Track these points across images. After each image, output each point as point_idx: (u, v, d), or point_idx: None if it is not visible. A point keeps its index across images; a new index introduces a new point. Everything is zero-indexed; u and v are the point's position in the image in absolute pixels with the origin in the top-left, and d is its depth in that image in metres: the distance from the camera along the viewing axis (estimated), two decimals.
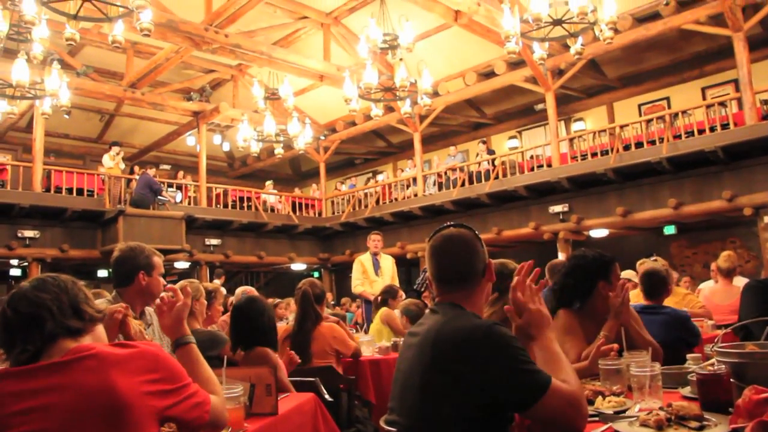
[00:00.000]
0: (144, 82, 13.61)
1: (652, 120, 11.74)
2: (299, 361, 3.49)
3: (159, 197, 13.26)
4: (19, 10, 5.50)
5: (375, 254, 7.58)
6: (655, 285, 3.76)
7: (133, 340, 2.11)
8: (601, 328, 2.61)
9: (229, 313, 5.22)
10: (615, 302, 2.63)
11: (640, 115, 13.35)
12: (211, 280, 11.85)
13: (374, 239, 7.66)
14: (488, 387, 1.66)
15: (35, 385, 1.40)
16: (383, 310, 5.94)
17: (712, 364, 1.97)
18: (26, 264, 12.55)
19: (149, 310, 2.86)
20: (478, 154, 14.63)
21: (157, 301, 2.02)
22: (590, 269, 2.79)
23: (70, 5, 5.61)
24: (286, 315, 7.44)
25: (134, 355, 1.49)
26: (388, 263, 7.60)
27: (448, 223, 2.03)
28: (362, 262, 7.54)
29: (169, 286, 2.09)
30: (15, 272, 13.89)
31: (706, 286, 6.64)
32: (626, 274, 5.70)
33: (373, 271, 7.40)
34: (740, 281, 6.10)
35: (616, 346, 2.36)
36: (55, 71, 7.20)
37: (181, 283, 3.71)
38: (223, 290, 10.79)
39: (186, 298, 2.01)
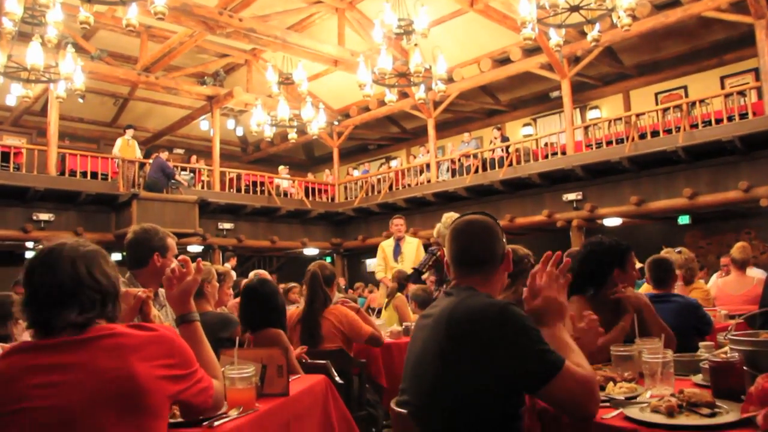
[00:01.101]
0: (158, 66, 13.64)
1: (668, 109, 11.64)
2: (306, 359, 3.46)
3: (172, 180, 13.32)
4: None
5: (398, 239, 7.33)
6: (663, 273, 3.74)
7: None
8: (614, 315, 2.61)
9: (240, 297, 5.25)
10: (625, 294, 2.63)
11: (657, 104, 13.24)
12: (222, 263, 11.92)
13: (396, 224, 7.42)
14: (501, 365, 1.67)
15: (55, 360, 1.42)
16: (397, 296, 5.95)
17: (725, 352, 1.96)
18: (41, 247, 12.65)
19: (163, 291, 2.87)
20: (492, 141, 14.58)
21: (168, 270, 2.01)
22: (606, 257, 2.77)
23: None
24: (299, 300, 7.46)
25: (153, 339, 1.51)
26: (411, 248, 7.30)
27: (471, 211, 2.06)
28: (383, 248, 7.41)
29: (181, 257, 2.07)
30: (30, 255, 13.99)
31: (719, 277, 6.61)
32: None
33: (392, 257, 7.27)
34: (753, 272, 6.06)
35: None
36: (70, 55, 7.22)
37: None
38: (234, 273, 10.86)
39: (197, 273, 2.00)
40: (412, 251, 7.23)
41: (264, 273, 5.89)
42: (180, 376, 1.55)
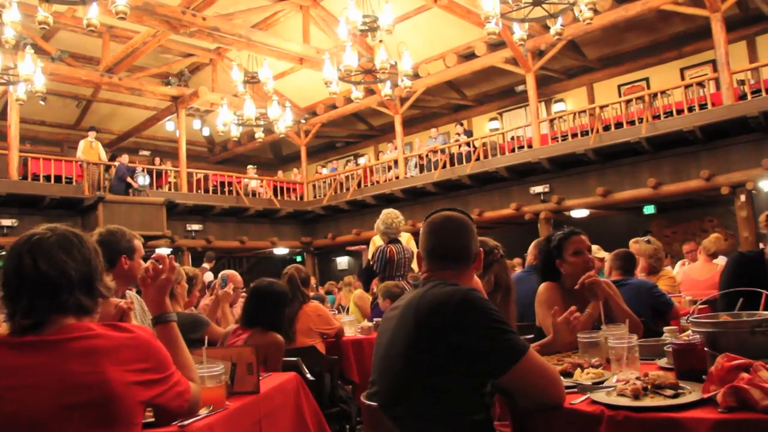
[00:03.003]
0: (121, 67, 13.43)
1: (631, 100, 11.82)
2: None
3: (133, 176, 13.12)
4: None
5: None
6: (627, 262, 3.83)
7: None
8: (581, 301, 2.65)
9: (210, 297, 5.22)
10: (585, 283, 2.67)
11: (620, 96, 13.43)
12: (200, 264, 11.77)
13: None
14: (466, 351, 1.69)
15: (24, 362, 1.36)
16: (357, 292, 6.00)
17: (688, 335, 2.01)
18: (4, 253, 12.38)
19: (130, 293, 2.84)
20: (456, 137, 14.66)
21: (141, 270, 1.96)
22: (546, 251, 2.90)
23: None
24: None
25: (128, 343, 1.45)
26: (402, 241, 7.30)
27: (446, 207, 2.10)
28: (374, 242, 7.34)
29: (155, 254, 2.03)
30: None
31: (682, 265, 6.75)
32: (594, 250, 5.72)
33: None
34: (718, 259, 6.21)
35: (573, 308, 2.41)
36: (29, 56, 7.06)
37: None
38: (211, 274, 10.73)
39: (170, 272, 1.95)
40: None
41: (234, 273, 5.85)
42: (154, 380, 1.49)
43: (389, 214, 5.78)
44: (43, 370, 1.35)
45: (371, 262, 5.81)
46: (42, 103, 12.82)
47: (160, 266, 1.93)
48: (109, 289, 1.58)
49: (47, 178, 12.63)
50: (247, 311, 3.36)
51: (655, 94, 11.57)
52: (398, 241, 5.75)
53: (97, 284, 1.53)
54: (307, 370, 3.14)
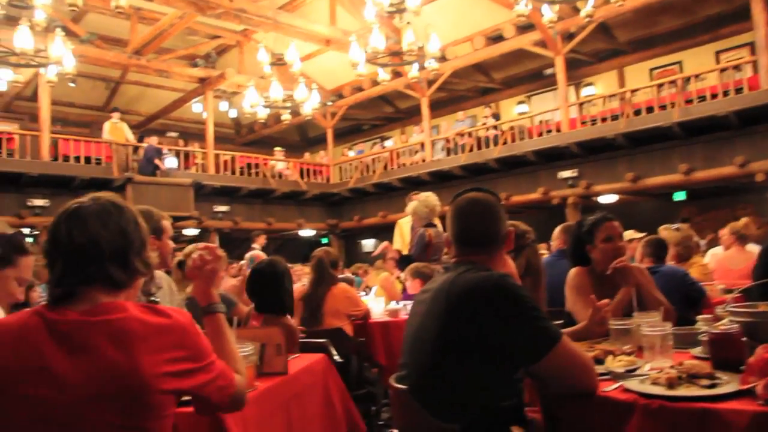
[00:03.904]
0: (149, 49, 13.51)
1: (663, 84, 11.59)
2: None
3: (161, 157, 13.22)
4: None
5: None
6: (658, 249, 3.76)
7: None
8: (612, 287, 2.61)
9: (240, 277, 5.26)
10: (616, 267, 2.63)
11: (652, 80, 13.18)
12: (250, 244, 11.67)
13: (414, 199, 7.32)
14: (499, 337, 1.67)
15: (57, 345, 1.31)
16: (383, 275, 5.98)
17: (724, 325, 1.96)
18: (37, 233, 12.62)
19: (159, 274, 2.86)
20: (484, 120, 14.54)
21: (190, 261, 1.91)
22: (576, 236, 2.86)
23: None
24: (299, 279, 7.46)
25: (163, 328, 1.38)
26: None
27: (472, 188, 2.04)
28: (401, 225, 7.24)
29: (204, 244, 1.99)
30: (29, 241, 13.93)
31: (717, 251, 6.61)
32: (628, 234, 5.61)
33: (409, 234, 7.15)
34: (753, 248, 6.08)
35: (606, 301, 2.36)
36: (59, 38, 7.12)
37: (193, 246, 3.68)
38: (263, 254, 10.63)
39: (215, 262, 1.87)
40: None
41: (261, 254, 5.90)
42: (190, 370, 1.40)
43: (429, 198, 5.73)
44: (73, 356, 1.30)
45: (415, 255, 5.71)
46: (72, 85, 13.04)
47: (208, 257, 1.86)
48: (148, 265, 1.51)
49: (77, 159, 12.82)
50: (252, 294, 3.32)
51: (689, 78, 11.30)
52: (434, 225, 5.71)
53: (133, 258, 1.45)
54: (335, 352, 3.14)
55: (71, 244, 1.38)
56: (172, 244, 2.80)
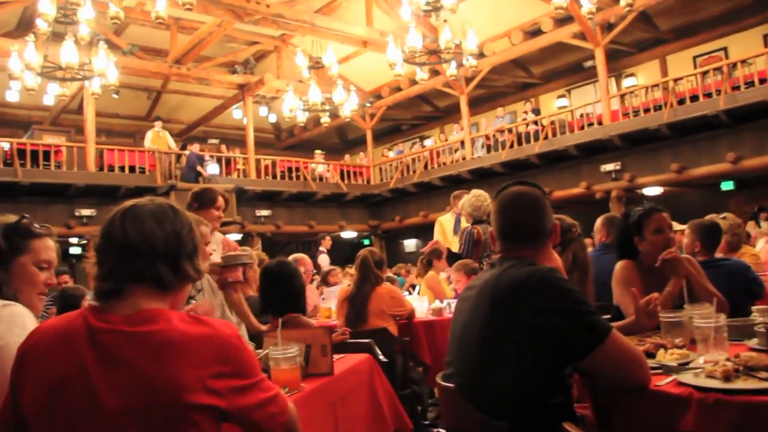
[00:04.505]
0: (189, 58, 13.75)
1: (708, 72, 11.29)
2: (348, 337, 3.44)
3: (203, 164, 13.44)
4: None
5: (459, 214, 7.19)
6: (710, 237, 3.64)
7: None
8: (661, 279, 2.55)
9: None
10: (665, 259, 2.56)
11: (695, 68, 12.86)
12: (317, 248, 11.78)
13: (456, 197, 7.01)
14: (547, 333, 1.64)
15: (98, 350, 1.27)
16: (428, 275, 5.92)
17: None
18: (85, 242, 12.94)
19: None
20: (524, 115, 14.39)
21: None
22: (624, 228, 2.78)
23: None
24: (339, 281, 7.50)
25: (206, 341, 1.29)
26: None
27: (516, 181, 2.01)
28: (442, 223, 7.19)
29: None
30: (75, 250, 14.31)
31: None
32: (676, 226, 5.47)
33: (452, 231, 7.10)
34: None
35: (655, 294, 2.29)
36: (102, 51, 7.31)
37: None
38: (326, 258, 10.69)
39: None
40: None
41: (303, 256, 5.94)
42: (236, 388, 1.30)
43: (479, 195, 5.66)
44: (109, 367, 1.25)
45: (464, 253, 5.66)
46: (115, 96, 13.33)
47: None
48: (199, 271, 1.45)
49: (122, 168, 13.12)
50: (264, 297, 3.32)
51: (735, 64, 10.99)
52: (483, 222, 5.65)
53: (184, 261, 1.40)
54: (380, 352, 3.13)
55: (125, 240, 1.35)
56: (209, 250, 2.87)
